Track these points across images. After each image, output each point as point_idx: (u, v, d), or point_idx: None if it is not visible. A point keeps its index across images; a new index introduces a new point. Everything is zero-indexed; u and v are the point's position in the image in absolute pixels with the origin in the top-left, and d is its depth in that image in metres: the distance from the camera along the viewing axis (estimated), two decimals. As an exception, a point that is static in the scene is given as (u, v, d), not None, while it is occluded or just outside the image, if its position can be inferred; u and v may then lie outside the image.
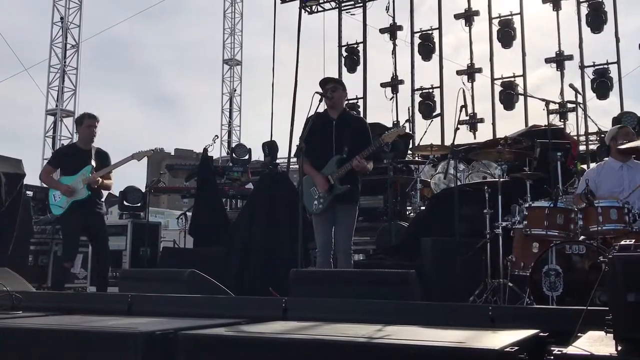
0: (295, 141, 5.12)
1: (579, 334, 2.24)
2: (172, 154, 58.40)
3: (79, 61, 15.83)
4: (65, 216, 5.93)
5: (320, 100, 4.92)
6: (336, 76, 13.18)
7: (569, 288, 4.24)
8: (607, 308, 2.08)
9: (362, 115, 13.16)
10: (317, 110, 4.88)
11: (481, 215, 5.25)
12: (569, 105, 10.22)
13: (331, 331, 2.58)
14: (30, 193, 8.17)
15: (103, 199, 6.31)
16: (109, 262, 6.26)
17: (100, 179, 5.91)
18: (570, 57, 11.42)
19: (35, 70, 15.95)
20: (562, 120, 10.86)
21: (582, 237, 4.55)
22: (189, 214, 9.03)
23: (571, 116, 10.82)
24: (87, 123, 6.03)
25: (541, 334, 2.47)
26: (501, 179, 5.32)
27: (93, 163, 5.91)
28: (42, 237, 8.01)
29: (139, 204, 8.44)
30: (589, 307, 2.39)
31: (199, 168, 8.48)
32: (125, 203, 8.40)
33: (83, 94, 15.71)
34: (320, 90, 4.97)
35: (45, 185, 6.42)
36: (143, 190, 8.71)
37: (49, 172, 6.17)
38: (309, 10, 14.03)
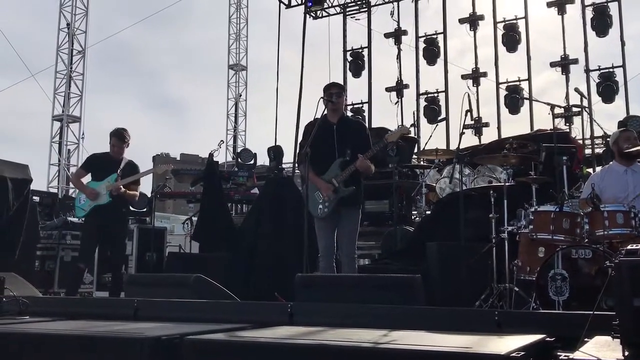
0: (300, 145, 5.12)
1: (585, 339, 2.24)
2: (178, 158, 58.60)
3: (85, 67, 15.90)
4: (86, 219, 6.26)
5: (326, 106, 4.95)
6: (341, 81, 13.26)
7: (575, 293, 4.23)
8: (614, 313, 2.08)
9: (367, 119, 13.20)
10: (316, 116, 4.92)
11: (487, 220, 5.23)
12: (575, 109, 10.21)
13: (337, 336, 2.58)
14: (37, 198, 8.21)
15: (127, 208, 6.58)
16: (121, 269, 6.41)
17: (123, 188, 6.13)
18: (576, 61, 11.41)
19: (41, 76, 16.01)
20: (567, 124, 10.85)
21: (587, 241, 4.54)
22: (195, 218, 9.05)
23: (577, 120, 10.83)
24: (112, 142, 6.34)
25: (548, 339, 2.46)
26: (507, 183, 5.31)
27: (119, 172, 6.18)
28: (48, 242, 8.05)
29: (144, 209, 8.46)
30: (595, 312, 2.38)
31: (204, 173, 8.50)
32: (131, 208, 8.41)
33: (89, 99, 15.76)
34: (326, 95, 4.99)
35: (73, 189, 6.60)
36: (149, 195, 8.74)
37: (80, 176, 6.46)
38: (313, 15, 14.07)
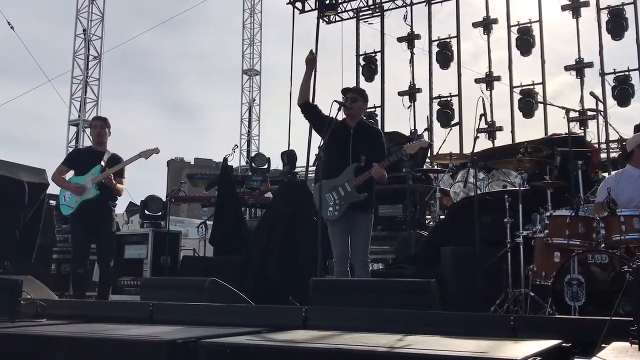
0: (314, 150, 5.14)
1: (602, 345, 2.22)
2: (192, 163, 58.86)
3: (101, 72, 16.06)
4: (74, 218, 5.99)
5: (339, 109, 4.94)
6: (354, 85, 13.27)
7: (592, 298, 4.19)
8: (632, 319, 2.06)
9: (380, 123, 13.19)
10: (336, 118, 4.92)
11: (502, 224, 5.21)
12: (590, 113, 10.14)
13: (352, 341, 2.58)
14: (53, 202, 8.28)
15: (116, 202, 6.23)
16: (109, 265, 6.07)
17: (112, 176, 5.91)
18: (590, 65, 11.32)
19: (58, 82, 16.18)
20: (582, 127, 10.76)
21: (603, 246, 4.50)
22: (209, 222, 9.09)
23: (592, 124, 10.72)
24: (93, 124, 6.42)
25: (564, 344, 2.44)
26: (522, 188, 5.28)
27: (102, 163, 5.95)
28: (64, 245, 8.11)
29: (159, 213, 8.51)
30: (613, 318, 2.37)
31: (219, 177, 8.55)
32: (146, 212, 8.48)
33: (105, 104, 15.89)
34: (340, 99, 4.99)
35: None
36: (164, 199, 8.79)
37: (61, 172, 6.15)
38: (327, 20, 14.11)
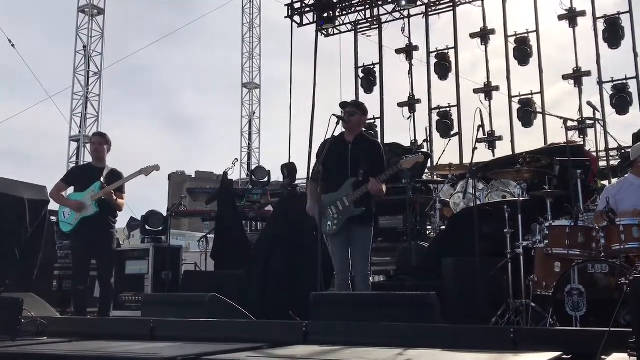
0: (314, 162, 5.14)
1: (602, 357, 2.22)
2: (193, 176, 58.95)
3: (101, 88, 16.12)
4: (74, 235, 5.96)
5: (338, 123, 4.97)
6: (353, 97, 13.33)
7: (593, 308, 4.19)
8: (631, 330, 2.06)
9: (379, 135, 13.22)
10: (334, 133, 4.94)
11: (502, 235, 5.21)
12: (588, 122, 10.16)
13: (352, 355, 2.59)
14: (54, 218, 8.30)
15: (116, 219, 6.18)
16: (109, 283, 6.07)
17: (113, 192, 5.88)
18: (588, 73, 11.36)
19: (59, 98, 16.24)
20: (581, 136, 10.76)
21: (603, 255, 4.49)
22: (210, 236, 9.09)
23: (591, 132, 10.73)
24: (92, 140, 6.39)
25: (564, 356, 2.45)
26: (521, 198, 5.29)
27: (102, 180, 5.93)
28: (66, 262, 8.10)
29: (160, 228, 8.51)
30: (612, 329, 2.37)
31: (219, 191, 8.56)
32: (147, 227, 8.48)
33: (105, 119, 15.95)
34: (338, 113, 5.02)
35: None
36: (165, 213, 8.80)
37: (60, 189, 6.12)
38: (325, 33, 14.18)
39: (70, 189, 6.21)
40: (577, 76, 11.41)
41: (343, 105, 5.15)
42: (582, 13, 11.52)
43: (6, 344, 3.41)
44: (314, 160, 5.18)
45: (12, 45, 14.95)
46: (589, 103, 7.11)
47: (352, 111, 5.08)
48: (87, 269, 6.08)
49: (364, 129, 5.42)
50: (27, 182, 6.68)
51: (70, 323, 4.64)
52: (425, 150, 11.32)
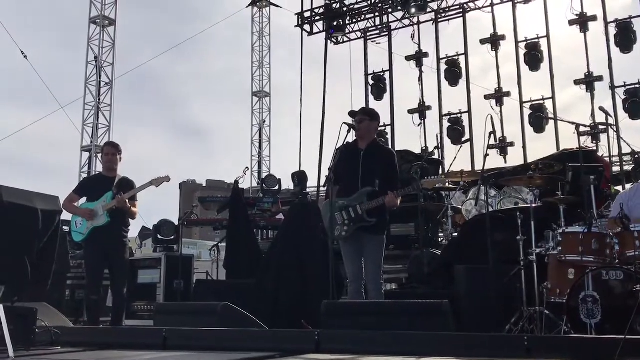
0: (325, 170, 5.18)
1: (618, 365, 2.20)
2: (204, 185, 59.14)
3: (112, 98, 16.23)
4: (87, 244, 6.01)
5: (349, 131, 4.99)
6: (363, 104, 13.35)
7: (608, 315, 4.13)
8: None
9: (390, 142, 13.21)
10: (347, 141, 4.97)
11: (515, 242, 5.18)
12: (601, 127, 10.09)
13: (365, 364, 2.58)
14: (66, 228, 8.36)
15: (128, 228, 6.23)
16: (122, 293, 6.06)
17: (127, 200, 5.92)
18: (600, 78, 11.29)
19: (70, 108, 16.34)
20: (594, 141, 10.69)
21: (617, 262, 4.44)
22: (222, 245, 9.11)
23: (603, 137, 10.66)
24: (105, 151, 6.32)
25: (579, 364, 2.42)
26: (534, 205, 5.25)
27: (114, 189, 5.98)
28: (78, 271, 8.14)
29: (172, 237, 8.54)
30: (627, 337, 2.34)
31: (230, 200, 8.57)
32: (159, 237, 8.52)
33: (116, 128, 16.00)
34: (348, 121, 5.04)
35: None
36: (176, 222, 8.83)
37: (72, 200, 6.19)
38: (335, 40, 14.22)
39: (83, 200, 6.25)
40: (588, 81, 11.35)
41: (352, 114, 5.16)
42: (593, 18, 11.47)
43: (21, 354, 3.43)
44: (324, 168, 5.21)
45: (25, 57, 15.05)
46: (601, 108, 7.04)
47: (361, 118, 5.09)
48: (100, 278, 6.13)
49: (376, 137, 5.42)
50: (39, 192, 6.73)
51: (83, 333, 4.67)
52: (436, 157, 11.33)
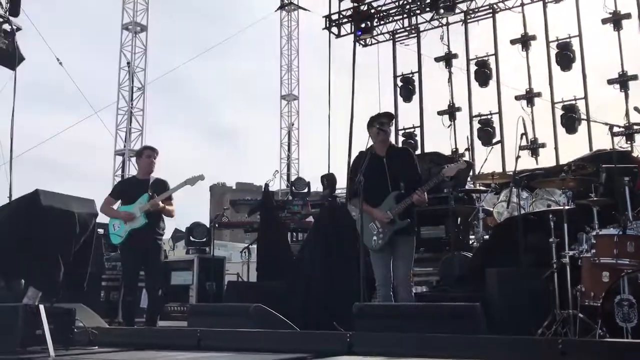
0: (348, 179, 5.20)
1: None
2: (234, 187, 59.64)
3: (145, 102, 16.51)
4: (124, 246, 6.14)
5: (376, 135, 5.02)
6: (392, 106, 13.33)
7: (645, 319, 4.07)
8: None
9: (419, 144, 13.16)
10: (368, 150, 5.01)
11: (547, 245, 5.12)
12: (635, 127, 9.88)
13: (397, 366, 2.59)
14: (101, 231, 8.54)
15: (164, 230, 6.35)
16: (157, 292, 6.18)
17: (161, 203, 6.04)
18: (635, 77, 11.03)
19: (104, 113, 16.67)
20: (628, 142, 10.47)
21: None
22: (252, 247, 9.20)
23: (638, 138, 10.43)
24: (146, 154, 6.38)
25: (615, 368, 2.40)
26: (566, 207, 5.19)
27: (150, 192, 6.09)
28: (113, 273, 8.32)
29: (204, 239, 8.66)
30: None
31: (261, 203, 8.66)
32: (191, 239, 8.65)
33: (149, 132, 16.23)
34: (377, 125, 5.05)
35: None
36: (207, 224, 8.95)
37: (109, 203, 6.31)
38: (363, 43, 14.22)
39: (119, 203, 6.39)
40: (622, 80, 11.11)
41: (378, 117, 5.14)
42: (627, 15, 11.22)
43: (60, 353, 3.53)
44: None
45: (60, 63, 15.38)
46: (635, 108, 6.87)
47: (389, 122, 5.15)
48: (136, 280, 6.26)
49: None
50: (76, 196, 6.88)
51: (120, 333, 4.77)
52: (467, 158, 11.24)
